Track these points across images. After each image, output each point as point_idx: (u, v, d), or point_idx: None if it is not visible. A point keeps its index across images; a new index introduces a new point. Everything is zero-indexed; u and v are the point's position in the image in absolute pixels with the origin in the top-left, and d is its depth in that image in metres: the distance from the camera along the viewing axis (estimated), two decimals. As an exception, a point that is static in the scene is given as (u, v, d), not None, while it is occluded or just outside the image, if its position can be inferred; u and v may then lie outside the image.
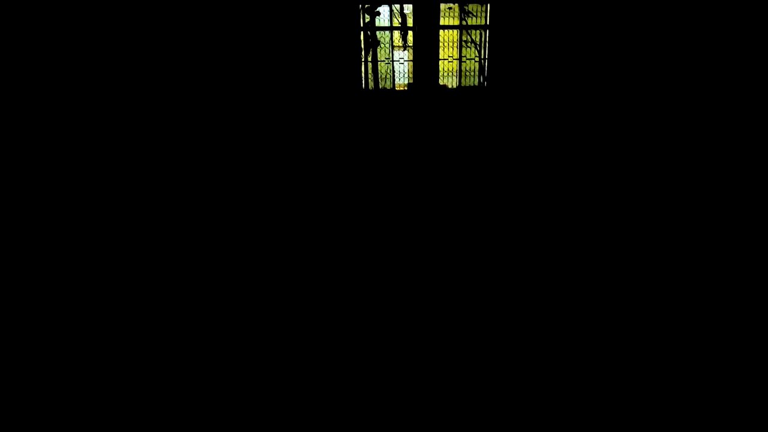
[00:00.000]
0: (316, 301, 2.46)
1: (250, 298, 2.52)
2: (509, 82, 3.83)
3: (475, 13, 3.92)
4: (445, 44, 6.97)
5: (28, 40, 3.16)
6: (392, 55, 4.14)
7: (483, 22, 3.72)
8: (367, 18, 3.72)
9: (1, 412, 1.69)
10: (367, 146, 3.90)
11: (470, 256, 2.96)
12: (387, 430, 1.62)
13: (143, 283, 2.69)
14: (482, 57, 3.87)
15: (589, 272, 2.72)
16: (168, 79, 3.49)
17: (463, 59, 4.12)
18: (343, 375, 1.89)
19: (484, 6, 3.73)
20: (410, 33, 3.82)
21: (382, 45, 3.76)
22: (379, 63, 3.67)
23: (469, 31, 3.99)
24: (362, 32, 3.72)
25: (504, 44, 3.74)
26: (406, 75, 7.56)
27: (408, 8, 3.78)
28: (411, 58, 3.81)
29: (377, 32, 3.80)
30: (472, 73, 4.01)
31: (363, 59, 3.77)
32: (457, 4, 3.63)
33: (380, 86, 3.73)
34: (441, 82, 7.10)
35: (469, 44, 3.76)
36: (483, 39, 3.84)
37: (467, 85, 3.85)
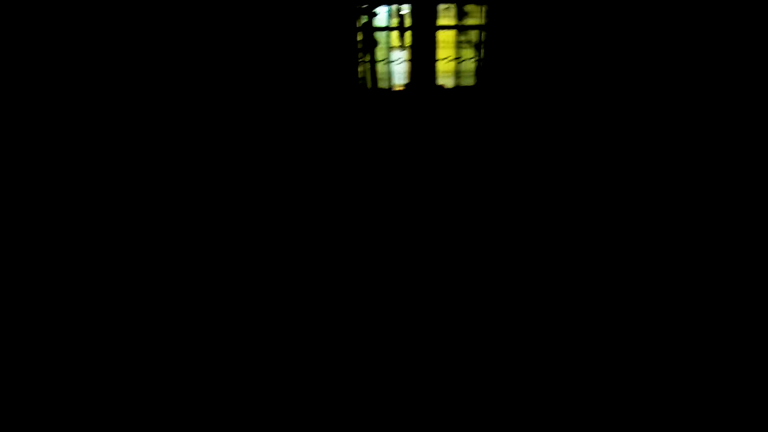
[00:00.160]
0: (310, 300, 2.48)
1: (247, 297, 2.53)
2: (506, 83, 3.86)
3: (472, 14, 3.94)
4: (443, 45, 6.99)
5: (25, 40, 3.16)
6: (390, 55, 4.16)
7: (480, 23, 3.74)
8: (365, 18, 3.74)
9: (1, 412, 1.70)
10: (364, 145, 3.92)
11: (466, 252, 2.98)
12: (387, 429, 1.64)
13: (138, 281, 2.70)
14: (479, 57, 3.90)
15: (582, 270, 2.75)
16: (156, 84, 3.50)
17: (461, 59, 4.14)
18: (343, 375, 1.91)
19: (482, 7, 3.76)
20: (408, 33, 3.85)
21: (380, 45, 3.77)
22: (376, 63, 3.69)
23: (467, 31, 4.01)
24: (360, 33, 3.74)
25: (501, 45, 3.78)
26: (403, 75, 7.59)
27: (406, 8, 3.81)
28: (409, 58, 3.83)
29: (375, 32, 3.81)
30: (470, 74, 4.04)
31: (361, 59, 3.79)
32: (454, 5, 3.65)
33: (378, 86, 3.75)
34: (438, 82, 7.11)
35: (464, 45, 3.78)
36: (480, 40, 3.87)
37: (464, 85, 3.88)
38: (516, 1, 3.69)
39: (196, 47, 3.50)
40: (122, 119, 3.49)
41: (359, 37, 3.76)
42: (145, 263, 2.91)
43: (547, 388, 1.77)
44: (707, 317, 2.22)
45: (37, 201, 3.32)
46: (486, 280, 2.61)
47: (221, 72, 3.61)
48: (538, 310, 2.31)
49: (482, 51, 3.87)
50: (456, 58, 4.14)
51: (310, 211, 3.68)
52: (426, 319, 2.26)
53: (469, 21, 3.93)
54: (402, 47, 3.90)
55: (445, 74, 7.59)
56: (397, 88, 3.96)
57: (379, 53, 4.02)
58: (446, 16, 7.08)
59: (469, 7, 3.90)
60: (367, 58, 3.86)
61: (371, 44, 3.84)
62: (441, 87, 3.96)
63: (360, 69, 3.82)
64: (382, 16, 4.92)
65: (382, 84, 4.11)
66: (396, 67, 8.06)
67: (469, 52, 4.09)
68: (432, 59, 3.81)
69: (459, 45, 4.08)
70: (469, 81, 4.22)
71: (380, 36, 3.86)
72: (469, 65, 4.16)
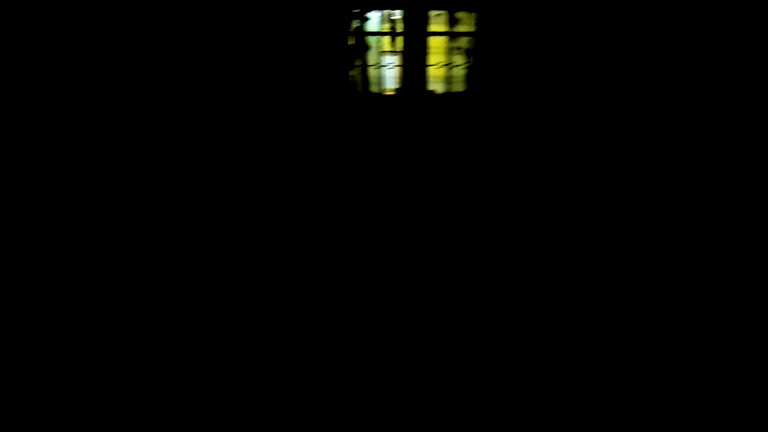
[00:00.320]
0: (307, 300, 2.47)
1: (242, 297, 2.51)
2: (496, 89, 3.92)
3: (463, 21, 4.00)
4: (434, 50, 7.06)
5: (22, 40, 3.12)
6: (381, 59, 4.19)
7: (471, 30, 3.80)
8: (357, 23, 3.77)
9: (1, 412, 1.67)
10: (354, 147, 3.94)
11: (458, 256, 3.00)
12: (387, 429, 1.64)
13: (133, 281, 2.67)
14: (470, 64, 3.96)
15: (574, 273, 2.79)
16: (148, 87, 3.48)
17: (451, 65, 4.19)
18: (343, 374, 1.91)
19: (472, 14, 3.82)
20: (399, 38, 3.89)
21: (372, 50, 3.80)
22: (368, 67, 3.71)
23: (458, 38, 4.07)
24: (352, 37, 3.76)
25: (491, 52, 3.84)
26: (395, 79, 7.64)
27: (398, 14, 3.85)
28: (400, 63, 3.86)
29: (367, 37, 3.84)
30: (460, 80, 4.09)
31: (352, 64, 3.82)
32: (446, 12, 3.70)
33: (369, 90, 3.77)
34: (429, 87, 7.16)
35: (455, 51, 3.83)
36: (471, 46, 3.93)
37: (455, 91, 3.93)
38: (506, 9, 3.76)
39: (189, 49, 3.48)
40: (114, 119, 3.46)
41: (351, 41, 3.78)
42: (133, 262, 2.88)
43: (547, 388, 1.80)
44: (707, 317, 2.27)
45: (37, 201, 3.26)
46: (479, 282, 2.64)
47: (214, 74, 3.60)
48: (531, 313, 2.34)
49: (472, 57, 3.92)
50: (447, 64, 4.19)
51: (302, 213, 3.68)
52: (420, 320, 2.27)
53: (460, 28, 3.99)
54: (393, 52, 3.94)
55: (435, 79, 7.65)
56: (388, 92, 3.99)
57: (371, 57, 4.04)
58: (438, 22, 7.16)
59: (460, 14, 3.96)
60: (359, 62, 3.89)
61: (363, 48, 3.86)
62: (431, 92, 4.01)
63: (351, 72, 3.84)
64: (374, 20, 4.96)
65: (374, 88, 4.13)
66: (387, 72, 8.10)
67: (459, 59, 4.14)
68: (423, 64, 3.85)
69: (450, 51, 4.14)
70: (459, 87, 4.27)
71: (372, 40, 3.89)
72: (460, 71, 4.21)
